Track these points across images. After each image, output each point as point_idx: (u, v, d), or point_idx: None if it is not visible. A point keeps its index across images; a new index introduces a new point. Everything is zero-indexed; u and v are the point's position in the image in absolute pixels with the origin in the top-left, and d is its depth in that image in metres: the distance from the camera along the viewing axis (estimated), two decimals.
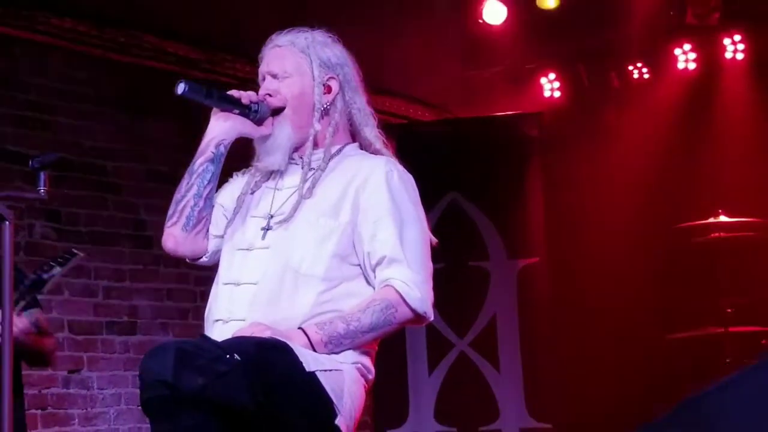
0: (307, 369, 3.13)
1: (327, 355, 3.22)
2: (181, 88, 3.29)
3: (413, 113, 8.96)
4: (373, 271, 3.32)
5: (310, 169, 3.42)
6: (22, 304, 4.75)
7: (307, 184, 3.39)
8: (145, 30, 7.14)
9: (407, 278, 3.28)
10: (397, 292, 3.27)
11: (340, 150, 3.48)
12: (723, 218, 7.42)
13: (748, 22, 8.09)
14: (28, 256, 6.56)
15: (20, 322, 4.81)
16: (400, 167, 3.45)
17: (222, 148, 3.43)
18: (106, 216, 7.04)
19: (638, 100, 8.55)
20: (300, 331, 3.21)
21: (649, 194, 8.24)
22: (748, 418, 2.24)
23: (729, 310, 7.33)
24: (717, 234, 7.45)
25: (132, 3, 6.96)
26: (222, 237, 3.49)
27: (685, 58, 8.37)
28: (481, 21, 8.22)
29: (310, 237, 3.30)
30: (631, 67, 8.58)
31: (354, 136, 3.54)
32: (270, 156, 3.44)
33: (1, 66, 6.63)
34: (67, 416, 6.70)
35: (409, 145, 7.82)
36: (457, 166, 7.99)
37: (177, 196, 3.45)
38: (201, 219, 3.44)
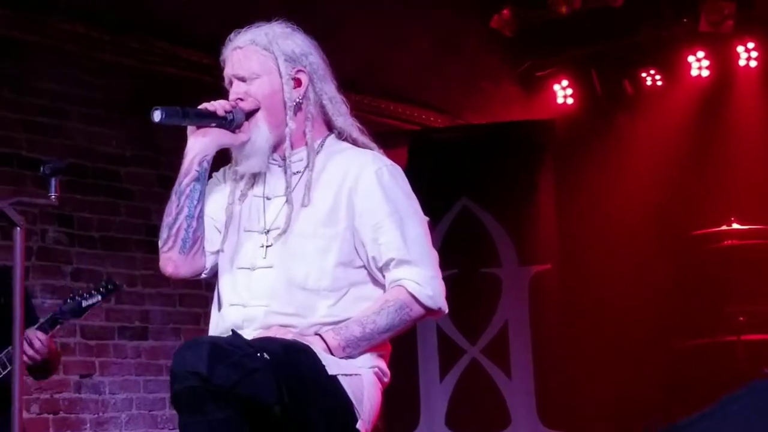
0: (330, 373, 3.15)
1: (346, 360, 3.23)
2: (157, 116, 3.26)
3: (426, 119, 8.95)
4: (380, 271, 3.32)
5: (296, 173, 3.38)
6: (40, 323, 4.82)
7: (300, 189, 3.35)
8: (156, 35, 7.14)
9: (417, 277, 3.29)
10: (409, 292, 3.28)
11: (321, 144, 3.43)
12: (735, 226, 7.40)
13: (762, 29, 8.09)
14: (39, 261, 6.57)
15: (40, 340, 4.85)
16: (387, 161, 3.41)
17: (205, 164, 3.37)
18: (118, 221, 7.05)
19: (651, 107, 8.54)
20: (317, 337, 3.22)
21: (661, 202, 8.22)
22: None
23: (741, 318, 7.31)
24: (729, 241, 7.43)
25: (144, 9, 6.97)
26: (218, 252, 3.45)
27: (699, 65, 8.37)
28: (493, 27, 8.21)
29: (311, 250, 3.28)
30: (644, 74, 8.57)
31: (329, 124, 3.48)
32: (249, 159, 3.38)
33: (14, 71, 6.64)
34: (78, 421, 6.70)
35: (422, 152, 7.84)
36: (469, 173, 7.99)
37: (168, 219, 3.38)
38: (196, 239, 3.39)
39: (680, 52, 8.39)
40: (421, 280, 3.29)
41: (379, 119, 8.37)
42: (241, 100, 3.38)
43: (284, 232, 3.31)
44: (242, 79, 3.40)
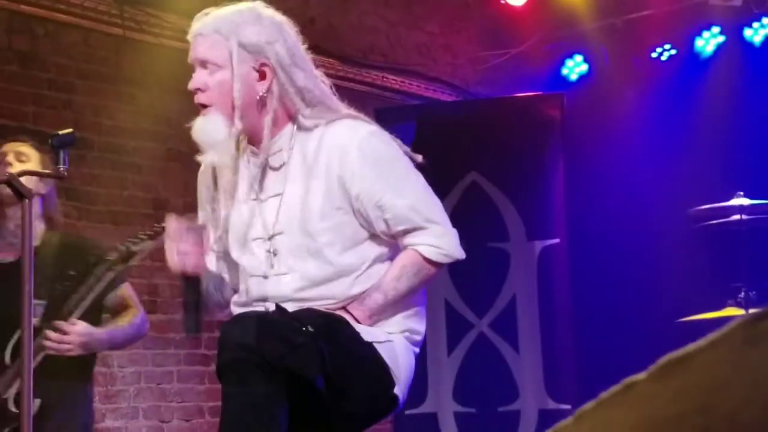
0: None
1: (377, 327, 3.28)
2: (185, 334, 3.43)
3: (434, 94, 8.94)
4: (393, 238, 3.32)
5: (277, 168, 3.32)
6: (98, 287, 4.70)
7: (286, 184, 3.31)
8: (165, 9, 7.12)
9: (430, 239, 3.29)
10: (425, 256, 3.29)
11: (292, 136, 3.30)
12: (743, 200, 7.38)
13: None
14: None
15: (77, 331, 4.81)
16: (364, 129, 3.28)
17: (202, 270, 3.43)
18: (125, 195, 7.05)
19: (661, 82, 8.51)
20: (343, 310, 3.25)
21: (670, 176, 8.21)
22: None
23: (749, 293, 7.29)
24: (738, 216, 7.41)
25: None
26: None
27: (709, 40, 8.33)
28: (503, 1, 8.19)
29: (315, 248, 3.26)
30: (654, 49, 8.54)
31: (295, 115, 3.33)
32: (208, 151, 3.33)
33: (21, 44, 6.64)
34: None
35: (430, 126, 7.80)
36: (477, 147, 7.96)
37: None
38: (223, 292, 3.46)
39: (690, 27, 8.36)
40: (434, 240, 3.29)
41: (387, 94, 8.36)
42: (201, 90, 3.31)
43: (288, 237, 3.29)
44: (204, 66, 3.31)
